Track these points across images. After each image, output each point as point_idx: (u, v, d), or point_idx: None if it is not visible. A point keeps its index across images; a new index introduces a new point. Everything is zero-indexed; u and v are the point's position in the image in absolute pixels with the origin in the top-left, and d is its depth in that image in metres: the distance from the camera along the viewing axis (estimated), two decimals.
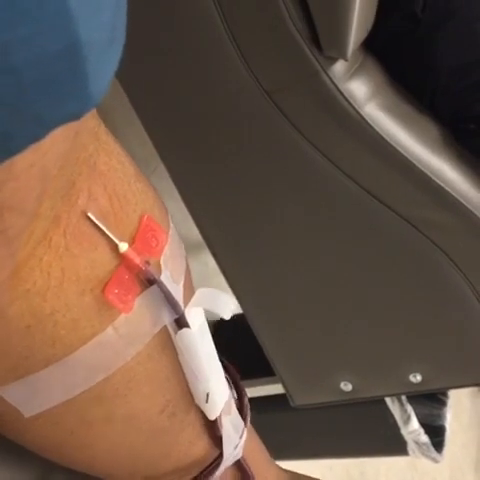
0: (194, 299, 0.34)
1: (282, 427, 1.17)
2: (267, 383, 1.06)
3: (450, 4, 0.66)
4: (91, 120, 0.28)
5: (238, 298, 0.89)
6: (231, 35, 0.66)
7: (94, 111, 0.28)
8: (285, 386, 0.95)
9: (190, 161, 0.78)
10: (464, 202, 0.69)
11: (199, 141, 0.75)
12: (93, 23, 0.17)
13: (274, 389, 1.04)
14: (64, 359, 0.29)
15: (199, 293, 0.35)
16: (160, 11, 0.67)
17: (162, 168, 0.81)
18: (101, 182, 0.28)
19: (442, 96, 0.69)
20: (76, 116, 0.19)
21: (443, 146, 0.69)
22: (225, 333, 0.97)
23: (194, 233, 0.87)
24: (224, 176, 0.77)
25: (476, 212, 0.69)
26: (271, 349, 0.91)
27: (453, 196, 0.68)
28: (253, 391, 1.08)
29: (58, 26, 0.16)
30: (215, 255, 0.86)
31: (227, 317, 0.34)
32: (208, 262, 0.94)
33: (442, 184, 0.68)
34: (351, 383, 0.90)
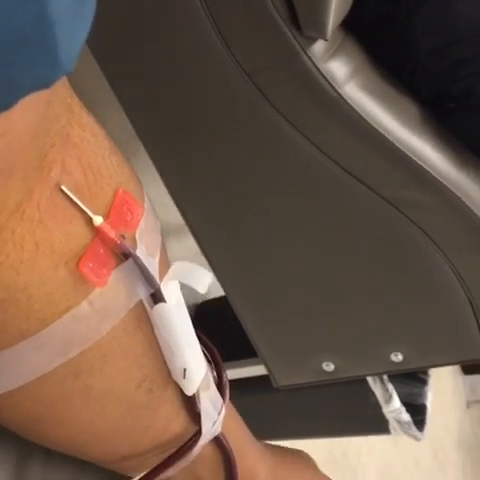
0: (170, 272, 0.34)
1: (265, 408, 1.18)
2: (250, 364, 1.06)
3: None
4: (63, 90, 0.28)
5: (220, 280, 0.90)
6: (210, 16, 0.65)
7: (66, 82, 0.28)
8: (268, 367, 0.96)
9: (171, 145, 0.77)
10: (444, 182, 0.69)
11: (180, 124, 0.75)
12: None
13: (257, 370, 1.05)
14: (38, 333, 0.29)
15: (175, 266, 0.35)
16: (144, 6, 0.66)
17: (143, 151, 0.80)
18: (75, 154, 0.28)
19: (421, 76, 0.69)
20: (46, 82, 0.19)
21: (423, 126, 0.70)
22: (207, 315, 0.98)
23: (175, 215, 0.87)
24: (205, 159, 0.77)
25: (456, 191, 0.70)
26: (253, 330, 0.92)
27: (433, 176, 0.68)
28: (236, 373, 1.08)
29: None
30: (197, 238, 0.86)
31: (202, 291, 0.34)
32: (190, 245, 0.94)
33: (422, 164, 0.68)
34: (333, 363, 0.91)
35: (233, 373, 1.08)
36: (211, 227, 0.85)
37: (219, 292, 0.92)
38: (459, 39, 0.66)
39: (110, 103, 0.82)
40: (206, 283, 0.34)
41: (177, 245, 1.36)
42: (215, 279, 0.90)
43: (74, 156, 0.28)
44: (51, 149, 0.27)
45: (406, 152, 0.67)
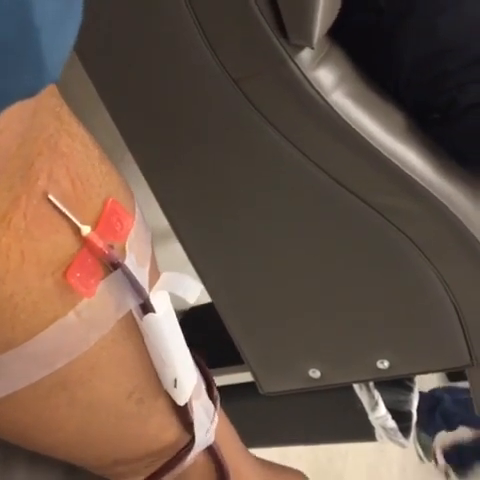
0: (159, 283, 0.34)
1: (251, 415, 1.18)
2: (236, 371, 1.06)
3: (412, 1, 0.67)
4: (51, 99, 0.27)
5: (206, 286, 0.89)
6: (197, 22, 0.65)
7: (56, 91, 0.28)
8: (254, 374, 0.95)
9: (157, 150, 0.77)
10: (430, 189, 0.69)
11: (166, 129, 0.75)
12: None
13: (243, 377, 1.05)
14: (24, 343, 0.28)
15: (164, 277, 0.35)
16: (127, 2, 0.66)
17: (129, 157, 0.80)
18: (63, 163, 0.28)
19: (406, 87, 0.70)
20: (32, 91, 0.18)
21: (408, 134, 0.70)
22: (193, 321, 0.98)
23: (162, 221, 0.87)
24: (191, 164, 0.77)
25: (442, 199, 0.70)
26: (240, 337, 0.92)
27: (419, 183, 0.69)
28: (222, 379, 1.08)
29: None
30: (183, 243, 0.86)
31: (191, 301, 0.34)
32: (176, 250, 0.94)
33: (408, 171, 0.68)
34: (319, 370, 0.91)
35: (219, 380, 1.08)
36: (198, 234, 0.85)
37: (206, 298, 0.91)
38: (443, 51, 0.67)
39: (96, 108, 0.81)
40: (195, 294, 0.34)
41: (164, 251, 1.36)
42: (202, 285, 0.90)
43: (62, 165, 0.28)
44: (38, 158, 0.26)
45: (392, 159, 0.68)
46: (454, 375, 3.00)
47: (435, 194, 0.69)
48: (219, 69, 0.67)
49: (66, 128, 0.29)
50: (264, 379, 0.96)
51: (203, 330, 0.95)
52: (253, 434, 1.22)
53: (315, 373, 0.91)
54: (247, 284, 0.87)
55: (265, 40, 0.64)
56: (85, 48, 0.69)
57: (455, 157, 0.72)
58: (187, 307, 1.13)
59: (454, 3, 0.67)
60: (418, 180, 0.68)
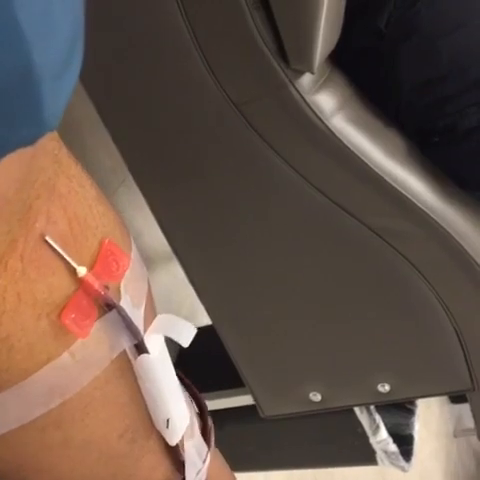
0: (153, 326, 0.34)
1: (251, 438, 1.17)
2: (236, 394, 1.06)
3: (413, 21, 0.67)
4: (50, 143, 0.27)
5: (207, 309, 0.89)
6: (199, 47, 0.66)
7: (55, 133, 0.28)
8: (254, 397, 0.95)
9: (158, 173, 0.78)
10: (429, 212, 0.70)
11: (167, 153, 0.75)
12: (47, 45, 0.17)
13: (243, 400, 1.04)
14: (19, 384, 0.28)
15: (158, 320, 0.34)
16: (129, 25, 0.67)
17: (131, 179, 0.80)
18: (61, 205, 0.28)
19: (406, 111, 0.70)
20: (30, 141, 0.19)
21: (408, 158, 0.70)
22: (194, 344, 0.97)
23: (163, 244, 0.87)
24: (192, 187, 0.77)
25: (440, 222, 0.70)
26: (240, 360, 0.91)
27: (418, 206, 0.69)
28: (223, 402, 1.08)
29: (9, 48, 0.16)
30: (184, 266, 0.86)
31: (185, 345, 0.33)
32: (177, 273, 0.94)
33: (408, 195, 0.69)
34: (320, 393, 0.90)
35: (220, 403, 1.07)
36: (198, 255, 0.85)
37: (207, 320, 0.91)
38: (443, 75, 0.67)
39: (98, 130, 0.82)
40: (189, 337, 0.34)
41: (164, 273, 1.36)
42: (203, 307, 0.90)
43: (60, 206, 0.28)
44: (36, 201, 0.26)
45: (391, 183, 0.68)
46: (456, 397, 2.99)
47: (434, 217, 0.70)
48: (220, 93, 0.68)
49: (64, 170, 0.29)
50: (265, 402, 0.95)
51: (203, 353, 0.95)
52: (253, 457, 1.21)
53: (316, 396, 0.91)
54: (247, 306, 0.87)
55: (266, 65, 0.65)
56: (87, 74, 0.70)
57: (455, 180, 0.72)
58: None
59: (457, 25, 0.68)
60: (417, 203, 0.69)
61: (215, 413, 1.12)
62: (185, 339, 0.33)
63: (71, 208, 0.29)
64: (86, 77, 0.71)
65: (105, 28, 0.67)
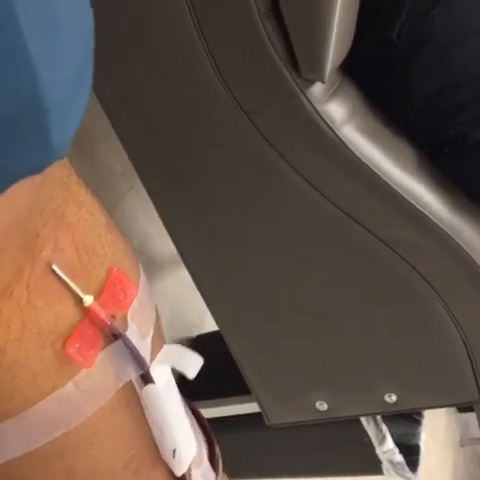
0: (160, 356, 0.33)
1: (257, 446, 1.17)
2: (243, 402, 1.05)
3: (426, 30, 0.67)
4: (59, 170, 0.27)
5: (214, 315, 0.89)
6: (211, 55, 0.66)
7: (64, 160, 0.27)
8: (261, 405, 0.95)
9: (167, 179, 0.78)
10: (439, 223, 0.69)
11: (177, 159, 0.75)
12: (57, 76, 0.17)
13: (250, 408, 1.04)
14: (22, 413, 0.28)
15: (165, 350, 0.34)
16: (141, 34, 0.67)
17: (140, 184, 0.80)
18: (69, 233, 0.28)
19: (417, 120, 0.70)
20: (38, 169, 0.19)
21: (419, 169, 0.70)
22: (201, 350, 0.97)
23: (171, 249, 0.87)
24: (201, 194, 0.77)
25: (451, 233, 0.70)
26: (247, 368, 0.91)
27: (429, 218, 0.69)
28: (228, 409, 1.07)
29: (20, 79, 0.16)
30: (191, 271, 0.86)
31: (191, 377, 0.33)
32: (185, 278, 0.94)
33: (418, 206, 0.68)
34: (326, 402, 0.90)
35: (225, 410, 1.07)
36: (205, 261, 0.85)
37: (214, 326, 0.91)
38: (456, 83, 0.67)
39: (108, 135, 0.82)
40: (196, 369, 0.33)
41: (171, 278, 1.36)
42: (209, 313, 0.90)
43: (68, 234, 0.28)
44: (43, 229, 0.26)
45: (402, 194, 0.68)
46: (463, 407, 2.96)
47: (445, 229, 0.69)
48: (231, 100, 0.68)
49: (74, 197, 0.29)
50: (271, 410, 0.95)
51: (210, 359, 0.94)
52: (259, 465, 1.20)
53: (322, 405, 0.90)
54: (254, 314, 0.87)
55: (277, 73, 0.64)
56: (98, 84, 0.70)
57: (465, 192, 0.72)
58: (194, 335, 1.13)
59: (471, 32, 0.67)
60: (428, 214, 0.68)
61: (221, 420, 1.11)
62: (191, 371, 0.33)
63: (79, 236, 0.28)
64: (98, 86, 0.71)
65: (117, 41, 0.67)
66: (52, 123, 0.17)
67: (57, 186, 0.27)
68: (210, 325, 0.99)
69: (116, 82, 0.72)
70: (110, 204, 1.17)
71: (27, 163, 0.18)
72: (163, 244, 0.81)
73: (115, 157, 0.95)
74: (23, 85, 0.16)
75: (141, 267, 0.34)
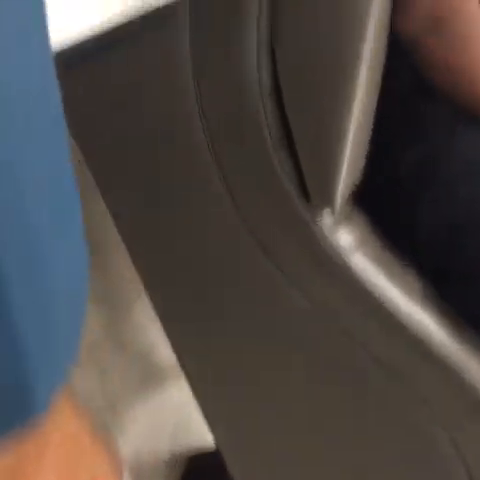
0: None
1: None
2: None
3: (433, 170, 0.69)
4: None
5: (212, 430, 0.87)
6: (221, 175, 0.68)
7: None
8: None
9: (173, 297, 0.78)
10: (445, 355, 0.69)
11: (183, 278, 0.76)
12: (43, 359, 0.17)
13: None
14: None
15: None
16: (152, 160, 0.69)
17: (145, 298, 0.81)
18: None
19: (422, 255, 0.71)
20: (15, 430, 0.19)
21: (426, 299, 0.71)
22: (198, 469, 0.95)
23: (172, 360, 0.86)
24: (206, 312, 0.77)
25: (456, 365, 0.69)
26: None
27: (434, 349, 0.69)
28: None
29: (7, 363, 0.16)
30: (191, 384, 0.85)
31: None
32: (183, 388, 0.92)
33: (425, 337, 0.68)
34: None
35: None
36: (206, 377, 0.84)
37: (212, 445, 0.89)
38: (462, 224, 0.68)
39: (118, 242, 0.83)
40: None
41: (176, 389, 1.34)
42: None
43: None
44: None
45: (408, 324, 0.68)
46: None
47: (450, 360, 0.69)
48: (238, 219, 0.69)
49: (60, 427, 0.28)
50: None
51: (209, 475, 0.92)
52: None
53: None
54: (254, 435, 0.85)
55: (287, 202, 0.66)
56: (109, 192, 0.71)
57: (471, 324, 0.72)
58: (191, 453, 1.10)
59: (476, 172, 0.69)
60: (435, 347, 0.68)
61: None
62: None
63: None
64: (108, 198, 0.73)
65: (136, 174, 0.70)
66: (36, 398, 0.18)
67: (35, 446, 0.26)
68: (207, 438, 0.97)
69: (130, 210, 0.73)
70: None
71: (6, 426, 0.18)
72: (169, 352, 0.81)
73: (125, 265, 0.96)
74: (10, 370, 0.16)
75: None
